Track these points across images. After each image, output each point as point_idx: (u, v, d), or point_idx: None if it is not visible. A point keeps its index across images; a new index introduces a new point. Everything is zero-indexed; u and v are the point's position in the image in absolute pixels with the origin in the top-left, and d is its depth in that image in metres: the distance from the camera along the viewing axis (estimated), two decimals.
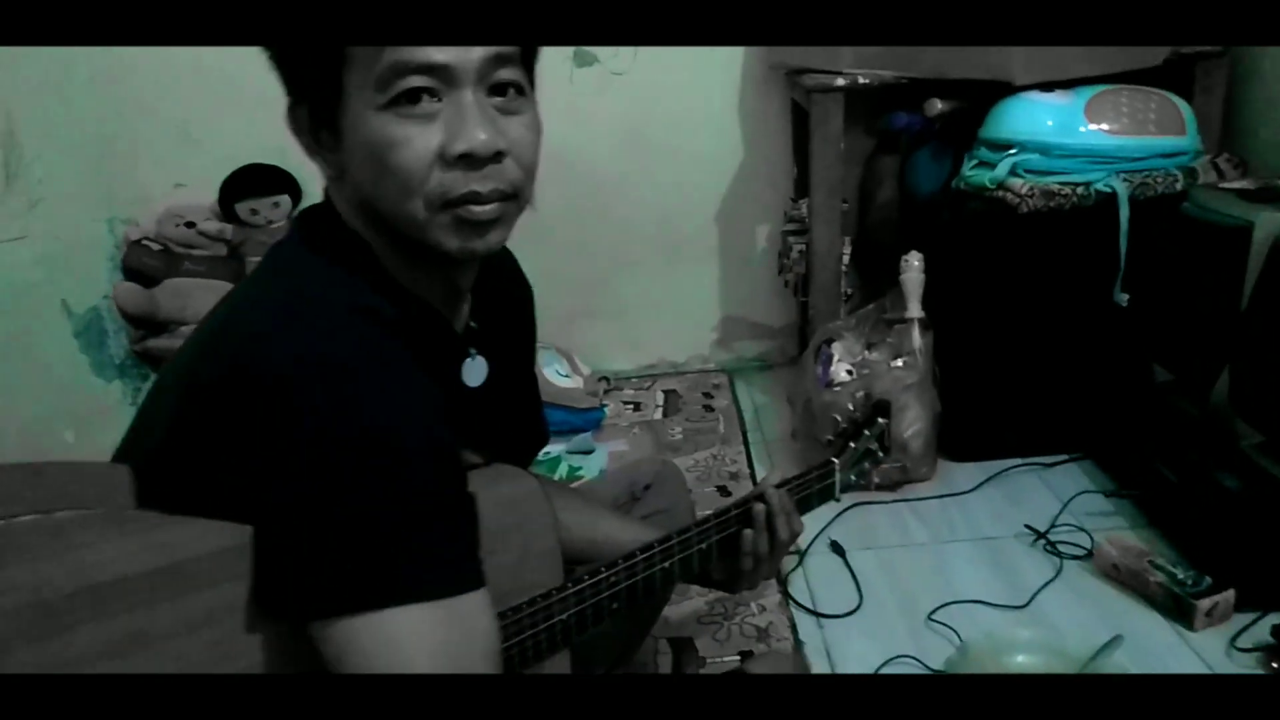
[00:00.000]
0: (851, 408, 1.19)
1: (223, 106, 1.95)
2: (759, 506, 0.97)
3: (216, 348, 0.71)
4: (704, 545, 0.95)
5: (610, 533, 1.00)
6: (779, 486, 1.00)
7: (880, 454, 1.15)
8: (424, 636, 0.63)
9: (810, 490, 1.06)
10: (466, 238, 0.71)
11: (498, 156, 0.69)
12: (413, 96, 0.67)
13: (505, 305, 0.90)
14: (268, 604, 0.66)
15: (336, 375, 0.64)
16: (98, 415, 1.83)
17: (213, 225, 2.03)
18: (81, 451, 1.73)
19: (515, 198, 0.72)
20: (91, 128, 1.88)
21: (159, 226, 2.04)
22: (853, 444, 1.12)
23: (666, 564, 0.92)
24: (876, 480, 1.19)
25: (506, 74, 0.70)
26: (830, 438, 1.15)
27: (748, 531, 0.97)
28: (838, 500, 1.11)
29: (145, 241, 2.01)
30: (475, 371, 0.83)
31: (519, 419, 0.97)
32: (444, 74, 0.67)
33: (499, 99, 0.70)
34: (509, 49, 0.69)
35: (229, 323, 0.73)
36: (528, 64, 0.73)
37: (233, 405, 0.65)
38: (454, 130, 0.68)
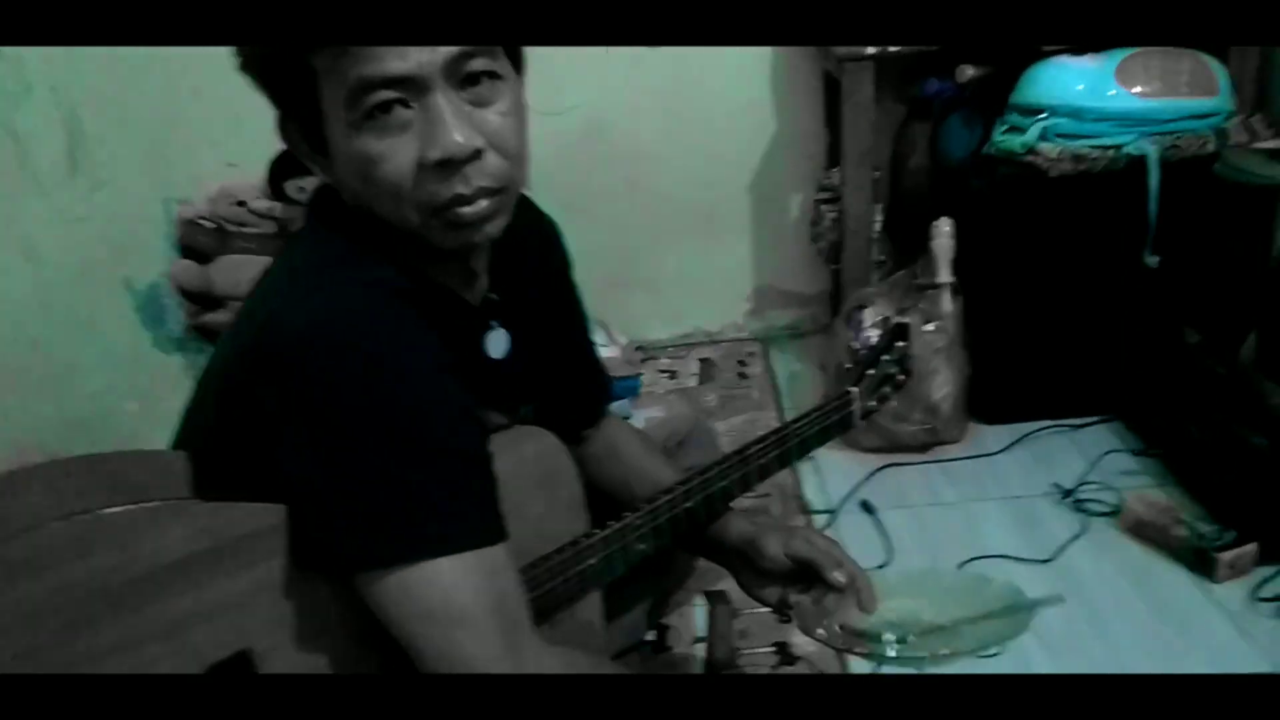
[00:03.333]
0: (873, 340, 1.16)
1: None
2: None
3: (242, 330, 0.74)
4: (725, 483, 0.95)
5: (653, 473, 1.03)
6: (796, 421, 1.00)
7: (901, 377, 1.13)
8: (459, 586, 0.67)
9: (830, 421, 1.04)
10: (462, 235, 0.72)
11: (476, 154, 0.68)
12: (384, 108, 0.66)
13: (526, 258, 0.90)
14: (309, 564, 0.70)
15: (348, 340, 0.67)
16: (159, 387, 1.92)
17: (263, 203, 2.11)
18: (144, 421, 1.83)
19: (504, 190, 0.72)
20: (148, 111, 1.96)
21: (212, 205, 2.12)
22: (871, 370, 1.10)
23: (690, 503, 0.92)
24: (895, 404, 1.13)
25: (478, 64, 0.68)
26: (847, 366, 1.13)
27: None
28: (857, 427, 1.09)
29: (199, 220, 2.09)
30: (497, 342, 0.85)
31: (568, 375, 0.99)
32: (409, 84, 0.66)
33: (473, 89, 0.69)
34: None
35: (253, 307, 0.76)
36: (508, 48, 0.72)
37: (255, 382, 0.68)
38: (428, 137, 0.67)
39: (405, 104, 0.67)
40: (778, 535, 0.97)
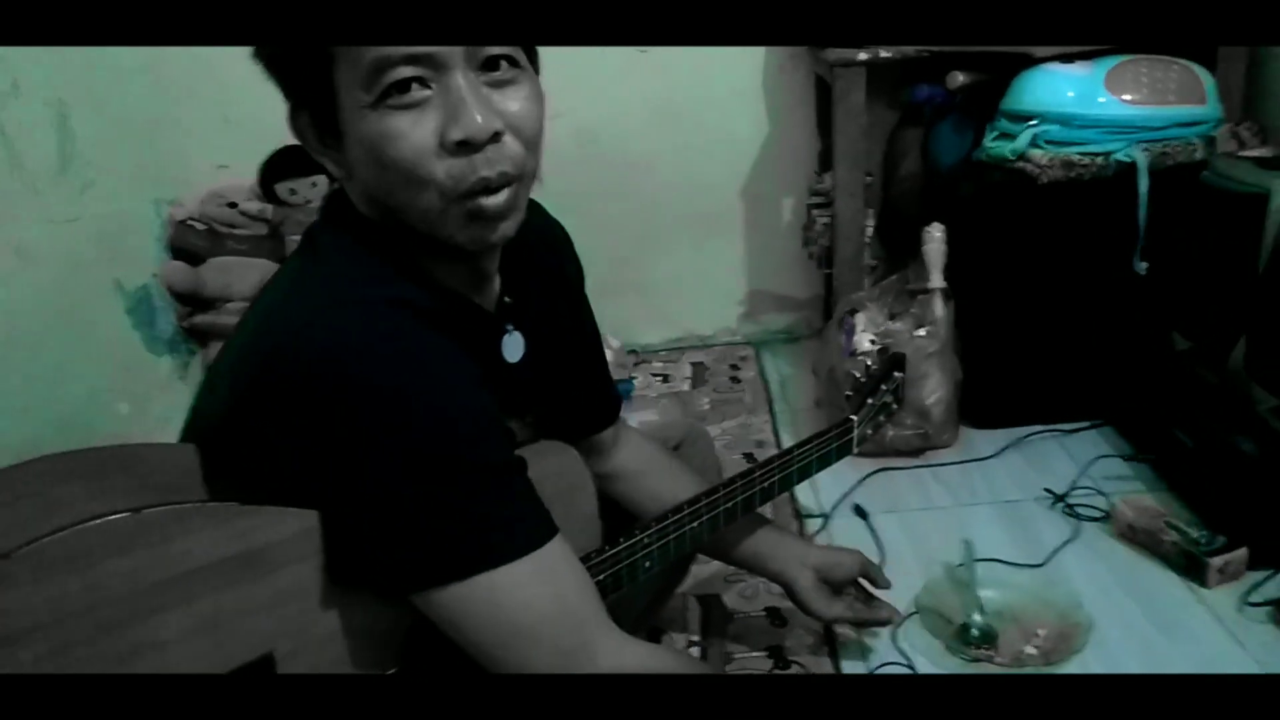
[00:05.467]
0: (869, 364, 1.24)
1: (262, 89, 2.00)
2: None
3: (263, 336, 0.72)
4: (729, 505, 1.02)
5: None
6: (799, 447, 1.08)
7: (894, 406, 1.21)
8: (525, 589, 0.69)
9: (830, 447, 1.12)
10: (478, 231, 0.71)
11: (496, 137, 0.68)
12: (402, 87, 0.66)
13: (538, 263, 0.90)
14: (358, 579, 0.70)
15: (383, 360, 0.66)
16: (151, 389, 1.92)
17: (254, 205, 2.10)
18: (136, 423, 1.82)
19: (521, 178, 0.71)
20: (138, 111, 1.95)
21: (203, 207, 2.12)
22: (870, 399, 1.17)
23: (695, 524, 0.98)
24: (891, 432, 1.25)
25: (497, 49, 0.68)
26: (849, 393, 1.20)
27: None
28: (854, 453, 1.18)
29: (190, 221, 2.08)
30: (513, 347, 0.85)
31: (578, 386, 1.00)
32: (430, 61, 0.66)
33: (491, 73, 0.68)
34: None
35: (273, 310, 0.75)
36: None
37: (281, 394, 0.67)
38: (449, 116, 0.66)
39: (424, 82, 0.66)
40: (837, 556, 1.18)
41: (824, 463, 1.12)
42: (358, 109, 0.67)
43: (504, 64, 0.69)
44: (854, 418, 1.14)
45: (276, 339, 0.69)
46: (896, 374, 1.20)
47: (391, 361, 0.67)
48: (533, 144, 0.71)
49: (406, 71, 0.65)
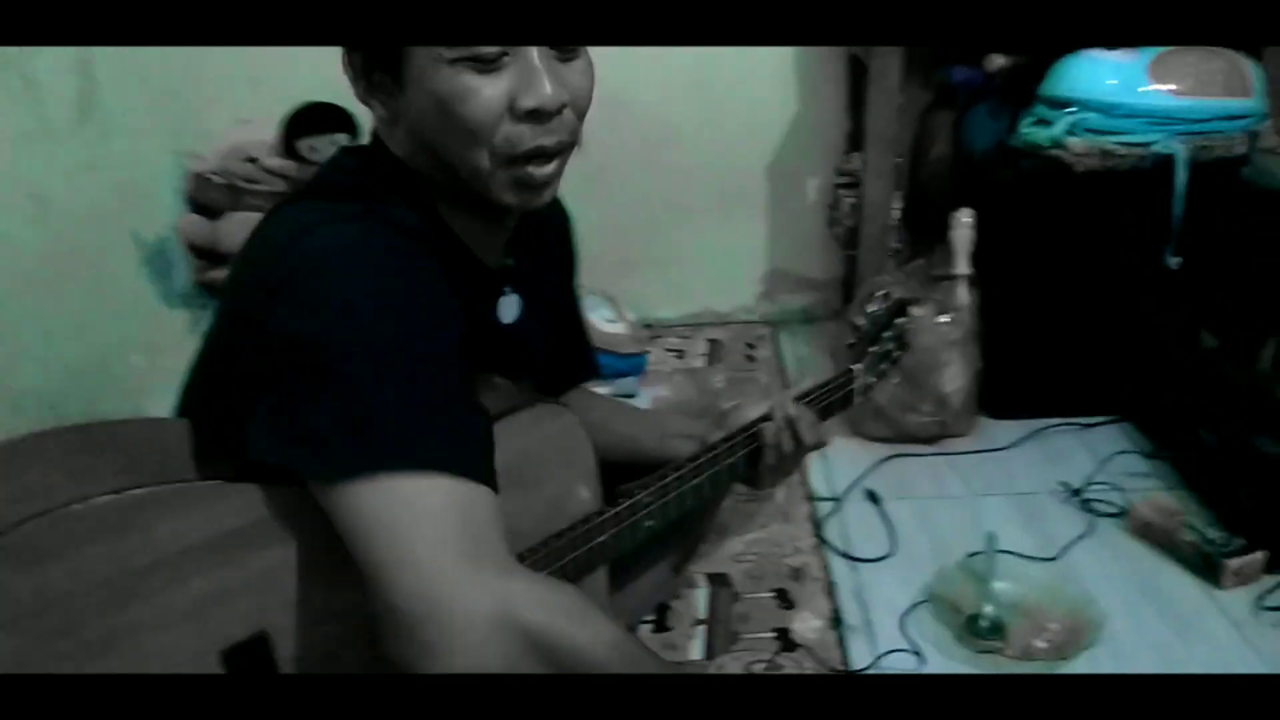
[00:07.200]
0: (873, 309, 1.20)
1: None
2: (769, 425, 1.00)
3: (252, 253, 0.74)
4: (732, 460, 0.99)
5: (659, 441, 1.05)
6: (799, 399, 1.04)
7: (898, 353, 1.17)
8: (426, 501, 0.64)
9: (832, 399, 1.09)
10: (524, 195, 0.75)
11: (560, 109, 0.72)
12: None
13: (543, 237, 0.93)
14: (265, 454, 0.67)
15: (371, 267, 0.68)
16: (164, 341, 1.91)
17: (275, 161, 2.08)
18: (149, 374, 1.81)
19: (568, 149, 0.75)
20: (162, 61, 1.93)
21: (223, 161, 2.10)
22: (873, 348, 1.14)
23: (696, 480, 0.95)
24: (895, 380, 1.18)
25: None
26: (851, 342, 1.17)
27: (769, 426, 1.00)
28: (856, 403, 1.13)
29: (210, 175, 2.07)
30: (509, 308, 0.87)
31: (561, 349, 1.01)
32: None
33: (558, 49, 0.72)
34: None
35: (266, 231, 0.75)
36: None
37: (264, 281, 0.69)
38: (523, 85, 0.70)
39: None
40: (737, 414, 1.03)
41: (827, 414, 1.08)
42: (432, 61, 0.69)
43: None
44: (855, 367, 1.11)
45: (277, 242, 0.71)
46: (899, 320, 1.16)
47: (368, 263, 0.68)
48: (584, 115, 0.75)
49: None
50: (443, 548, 0.64)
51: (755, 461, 1.02)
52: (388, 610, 0.63)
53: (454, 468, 0.66)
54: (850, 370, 1.11)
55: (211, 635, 0.67)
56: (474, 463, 0.68)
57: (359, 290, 0.67)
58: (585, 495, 0.88)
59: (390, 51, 0.71)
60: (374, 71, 0.73)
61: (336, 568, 0.70)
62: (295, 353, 0.66)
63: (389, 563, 0.64)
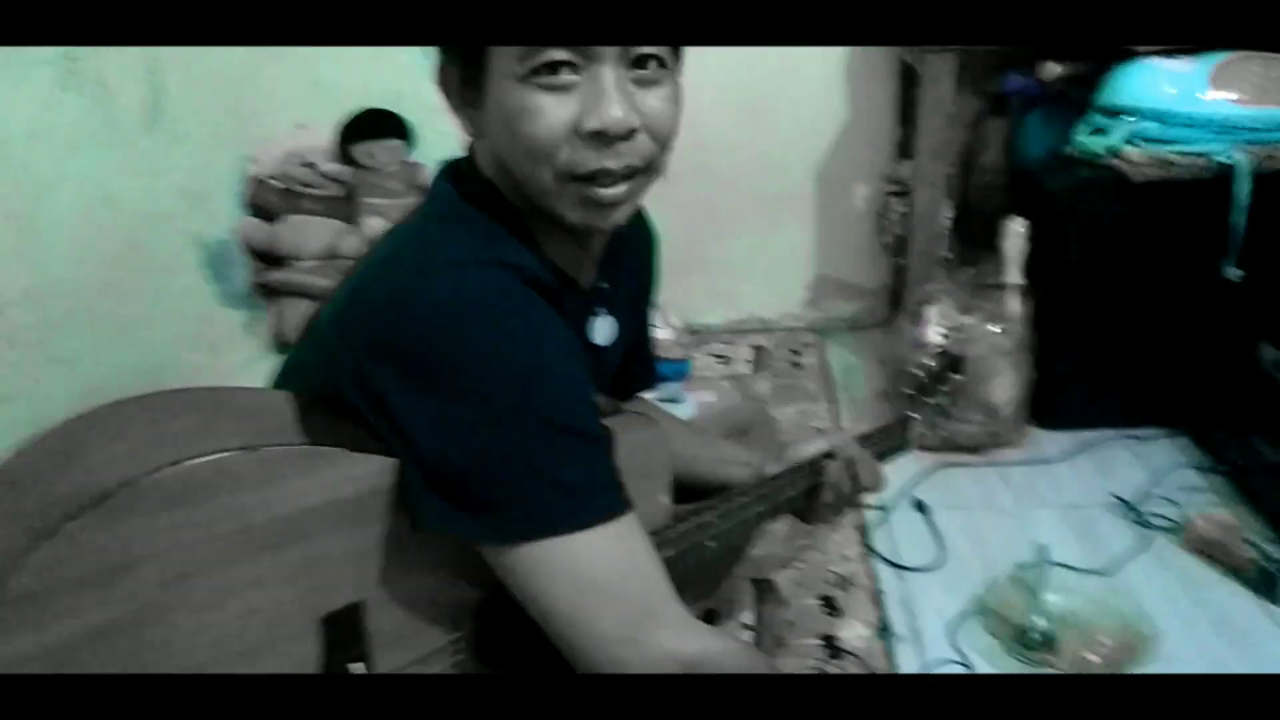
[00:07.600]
0: (930, 363, 1.23)
1: (344, 51, 2.03)
2: (833, 464, 1.02)
3: (378, 284, 0.73)
4: (794, 492, 1.01)
5: (713, 464, 1.05)
6: (860, 440, 1.06)
7: (949, 409, 1.21)
8: (600, 555, 0.69)
9: (890, 444, 1.12)
10: (590, 214, 0.73)
11: (630, 134, 0.69)
12: (552, 68, 0.67)
13: (630, 256, 0.92)
14: (437, 529, 0.69)
15: (492, 321, 0.68)
16: (224, 340, 1.96)
17: (332, 166, 2.13)
18: (209, 373, 1.86)
19: (646, 170, 0.73)
20: (225, 67, 1.98)
21: (281, 165, 2.15)
22: (928, 399, 1.17)
23: (761, 508, 0.97)
24: (945, 434, 1.25)
25: (649, 47, 0.69)
26: (909, 392, 1.19)
27: (832, 464, 1.02)
28: (908, 452, 1.17)
29: (269, 179, 2.12)
30: (603, 330, 0.87)
31: (630, 359, 1.01)
32: (583, 49, 0.67)
33: (640, 70, 0.70)
34: None
35: (386, 263, 0.75)
36: None
37: (391, 343, 0.68)
38: (589, 105, 0.68)
39: (574, 68, 0.68)
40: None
41: (882, 457, 1.10)
42: (506, 78, 0.69)
43: (653, 64, 0.70)
44: (915, 416, 1.16)
45: (392, 291, 0.70)
46: (955, 376, 1.20)
47: (500, 323, 0.68)
48: (666, 141, 0.73)
49: (559, 54, 0.67)
50: (624, 610, 0.69)
51: (812, 496, 1.03)
52: (579, 665, 0.70)
53: (616, 509, 0.71)
54: (908, 418, 1.15)
55: (313, 600, 0.69)
56: (619, 498, 0.72)
57: (499, 352, 0.68)
58: (665, 502, 0.89)
59: (472, 65, 0.71)
60: (460, 85, 0.74)
61: (438, 552, 0.73)
62: (445, 426, 0.67)
63: (574, 637, 0.69)
